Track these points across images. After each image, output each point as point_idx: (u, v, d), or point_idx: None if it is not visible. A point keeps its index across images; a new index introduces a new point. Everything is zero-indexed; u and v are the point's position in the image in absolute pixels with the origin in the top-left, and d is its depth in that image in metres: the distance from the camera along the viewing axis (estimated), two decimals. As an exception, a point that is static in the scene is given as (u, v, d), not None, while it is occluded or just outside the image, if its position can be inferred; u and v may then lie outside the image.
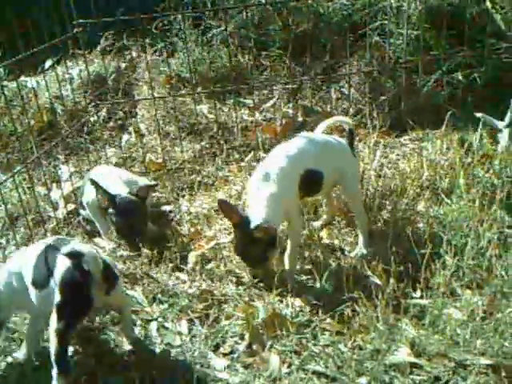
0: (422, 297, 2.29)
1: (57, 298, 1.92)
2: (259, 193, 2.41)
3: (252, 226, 2.31)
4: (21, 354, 2.22)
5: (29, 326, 2.23)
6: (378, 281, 2.36)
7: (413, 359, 1.96)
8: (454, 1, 3.61)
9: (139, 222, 2.83)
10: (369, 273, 2.44)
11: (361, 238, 2.68)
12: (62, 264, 1.94)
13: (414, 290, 2.33)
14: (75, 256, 1.91)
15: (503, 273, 2.26)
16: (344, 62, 3.94)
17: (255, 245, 2.35)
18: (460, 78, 3.57)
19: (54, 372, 1.94)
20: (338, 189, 2.86)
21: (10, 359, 2.22)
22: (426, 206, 2.82)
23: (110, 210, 2.79)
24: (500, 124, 3.20)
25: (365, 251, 2.64)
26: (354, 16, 3.91)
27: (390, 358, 1.98)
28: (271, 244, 2.37)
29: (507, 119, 3.17)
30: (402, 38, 3.65)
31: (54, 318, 1.92)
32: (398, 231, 2.69)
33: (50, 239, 2.16)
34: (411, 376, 1.92)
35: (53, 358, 1.93)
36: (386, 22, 3.74)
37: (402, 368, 1.94)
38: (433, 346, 2.00)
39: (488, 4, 3.56)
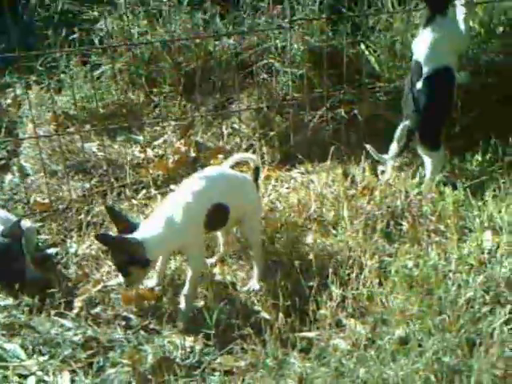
0: (309, 329, 2.32)
1: None
2: (162, 213, 2.44)
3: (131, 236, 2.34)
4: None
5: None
6: (267, 316, 2.37)
7: (299, 394, 1.97)
8: (333, 43, 3.81)
9: (6, 263, 2.66)
10: (259, 308, 2.44)
11: (255, 272, 2.68)
12: None
13: (303, 323, 2.36)
14: None
15: (384, 300, 2.34)
16: (234, 98, 4.01)
17: (119, 254, 2.38)
18: (343, 114, 3.75)
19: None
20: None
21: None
22: (314, 238, 2.89)
23: None
24: (384, 156, 3.37)
25: (257, 286, 2.65)
26: (242, 54, 4.01)
27: (277, 395, 1.98)
28: (134, 262, 2.35)
29: (390, 152, 3.36)
30: (287, 75, 3.78)
31: None
32: (288, 264, 2.73)
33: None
34: (298, 413, 1.92)
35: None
36: (272, 60, 3.86)
37: (290, 404, 1.94)
38: (319, 378, 2.02)
39: (362, 47, 3.80)
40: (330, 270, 2.54)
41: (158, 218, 2.44)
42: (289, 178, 3.63)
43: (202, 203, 2.48)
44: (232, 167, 2.79)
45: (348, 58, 3.65)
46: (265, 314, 2.39)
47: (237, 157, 2.87)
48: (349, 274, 2.55)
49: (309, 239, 2.94)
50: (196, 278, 2.53)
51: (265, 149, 3.74)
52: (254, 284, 2.66)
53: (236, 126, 3.97)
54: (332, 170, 3.41)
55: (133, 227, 2.40)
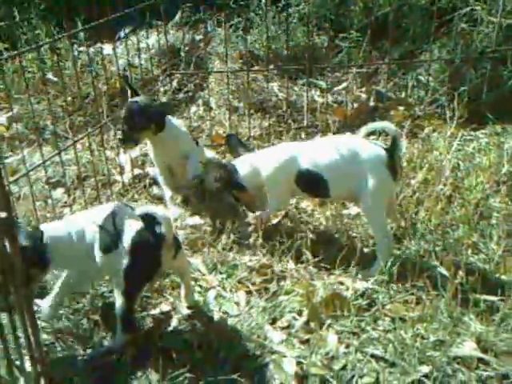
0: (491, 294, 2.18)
1: (126, 260, 1.92)
2: None
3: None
4: (45, 302, 2.16)
5: (64, 283, 2.15)
6: (445, 272, 2.27)
7: (480, 354, 1.88)
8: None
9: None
10: (436, 263, 2.34)
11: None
12: (134, 226, 1.93)
13: (483, 286, 2.22)
14: (149, 218, 1.92)
15: None
16: (425, 48, 3.79)
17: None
18: (550, 71, 3.37)
19: (119, 329, 1.98)
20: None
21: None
22: (503, 202, 2.68)
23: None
24: None
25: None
26: (441, 1, 3.74)
27: (454, 350, 1.90)
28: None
29: None
30: (492, 26, 3.46)
31: (121, 279, 1.93)
32: (473, 226, 2.58)
33: (113, 204, 2.11)
34: (477, 371, 1.84)
35: (120, 317, 1.97)
36: (477, 8, 3.55)
37: (468, 362, 1.86)
38: (502, 343, 1.90)
39: None
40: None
41: None
42: (475, 138, 3.39)
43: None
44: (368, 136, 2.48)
45: None
46: (442, 270, 2.28)
47: (373, 125, 2.46)
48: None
49: (495, 203, 2.74)
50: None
51: (452, 104, 3.51)
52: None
53: (422, 77, 3.77)
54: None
55: None
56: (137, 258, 1.92)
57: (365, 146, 2.40)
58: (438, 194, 2.76)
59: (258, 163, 2.64)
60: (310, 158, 2.48)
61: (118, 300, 1.97)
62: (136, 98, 2.86)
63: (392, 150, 2.35)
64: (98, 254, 1.99)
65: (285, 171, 2.55)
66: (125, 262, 1.92)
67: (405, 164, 3.06)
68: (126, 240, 1.93)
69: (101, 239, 1.99)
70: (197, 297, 2.30)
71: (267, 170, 2.60)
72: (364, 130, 2.42)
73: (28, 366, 1.44)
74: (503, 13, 3.39)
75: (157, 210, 1.98)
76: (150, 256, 1.95)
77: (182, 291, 2.26)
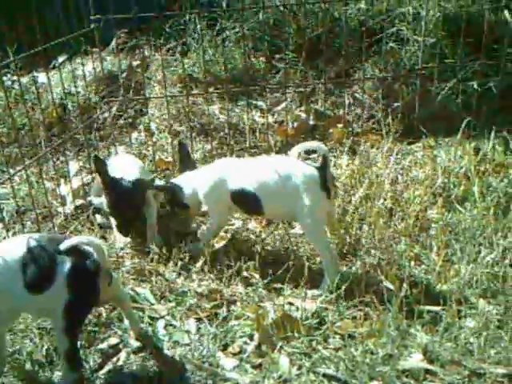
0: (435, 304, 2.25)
1: (64, 295, 1.83)
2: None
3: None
4: None
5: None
6: (390, 285, 2.33)
7: (426, 365, 1.93)
8: (471, 9, 3.59)
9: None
10: (382, 277, 2.40)
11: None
12: (67, 260, 1.85)
13: (428, 297, 2.29)
14: (79, 248, 1.86)
15: (519, 282, 2.22)
16: (358, 67, 3.92)
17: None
18: (475, 86, 3.54)
19: (64, 369, 1.92)
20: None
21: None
22: (440, 213, 2.78)
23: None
24: None
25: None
26: (369, 21, 3.89)
27: (402, 363, 1.95)
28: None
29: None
30: (418, 44, 3.63)
31: (60, 316, 1.85)
32: (411, 237, 2.67)
33: (23, 239, 1.92)
34: (424, 382, 1.89)
35: (63, 355, 1.90)
36: (402, 28, 3.71)
37: (416, 374, 1.90)
38: (446, 352, 1.96)
39: (506, 13, 3.54)
40: (458, 247, 2.45)
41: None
42: (411, 152, 3.52)
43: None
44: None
45: (488, 24, 3.38)
46: (388, 284, 2.34)
47: (303, 145, 2.49)
48: (477, 252, 2.45)
49: (433, 214, 2.84)
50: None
51: (387, 120, 3.63)
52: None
53: (358, 95, 3.89)
54: (460, 144, 3.25)
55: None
56: (76, 292, 1.85)
57: (297, 166, 2.45)
58: (379, 208, 2.84)
59: (195, 182, 2.73)
60: (244, 176, 2.55)
61: (60, 338, 1.89)
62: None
63: (323, 169, 2.40)
64: (20, 294, 1.85)
65: (220, 189, 2.61)
66: (63, 298, 1.84)
67: (346, 180, 3.14)
68: (61, 275, 1.84)
69: (26, 278, 1.84)
70: (145, 327, 2.26)
71: (203, 188, 2.68)
72: (295, 149, 2.46)
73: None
74: (426, 32, 3.55)
75: (86, 238, 1.94)
76: (89, 287, 1.89)
77: (127, 322, 2.21)
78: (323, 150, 2.40)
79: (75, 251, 1.85)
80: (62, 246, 1.83)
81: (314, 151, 3.11)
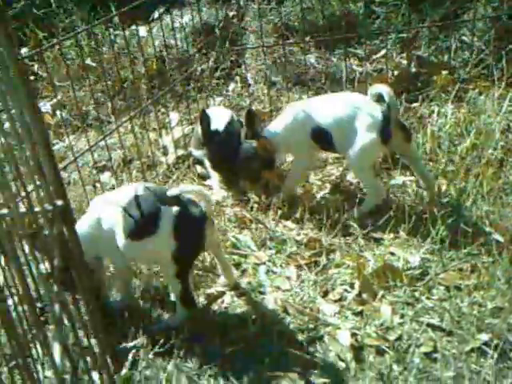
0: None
1: (172, 242, 1.91)
2: None
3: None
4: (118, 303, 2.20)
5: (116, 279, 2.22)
6: (500, 238, 2.21)
7: (541, 320, 1.84)
8: None
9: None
10: (490, 229, 2.29)
11: None
12: (173, 209, 1.91)
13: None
14: (184, 199, 1.93)
15: None
16: (468, 6, 3.64)
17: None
18: None
19: (179, 308, 2.03)
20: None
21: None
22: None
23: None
24: None
25: None
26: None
27: (514, 317, 1.87)
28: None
29: None
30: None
31: (170, 262, 1.93)
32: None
33: (133, 187, 2.02)
34: (539, 337, 1.80)
35: (178, 298, 2.01)
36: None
37: (529, 328, 1.82)
38: None
39: None
40: None
41: None
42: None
43: None
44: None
45: None
46: (497, 236, 2.23)
47: (373, 88, 2.50)
48: None
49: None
50: None
51: (500, 64, 3.37)
52: None
53: (466, 38, 3.63)
54: None
55: None
56: (184, 239, 1.92)
57: (364, 105, 2.49)
58: (488, 158, 2.68)
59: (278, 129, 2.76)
60: (319, 113, 2.60)
61: (172, 283, 2.00)
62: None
63: (386, 112, 2.41)
64: (123, 242, 1.95)
65: (300, 130, 2.65)
66: (171, 245, 1.92)
67: (450, 130, 2.98)
68: (169, 222, 1.91)
69: (129, 225, 1.93)
70: (249, 273, 2.32)
71: (285, 133, 2.71)
72: (369, 91, 2.52)
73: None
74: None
75: (192, 187, 1.99)
76: (196, 234, 1.96)
77: (223, 267, 2.24)
78: (386, 95, 2.39)
79: (181, 200, 1.92)
80: (169, 194, 1.90)
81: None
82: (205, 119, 2.92)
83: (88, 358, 1.46)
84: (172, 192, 1.91)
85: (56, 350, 1.38)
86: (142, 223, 1.92)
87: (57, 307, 1.36)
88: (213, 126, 2.94)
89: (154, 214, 1.91)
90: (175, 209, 1.91)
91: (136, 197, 1.95)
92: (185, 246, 1.92)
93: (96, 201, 2.13)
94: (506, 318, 1.85)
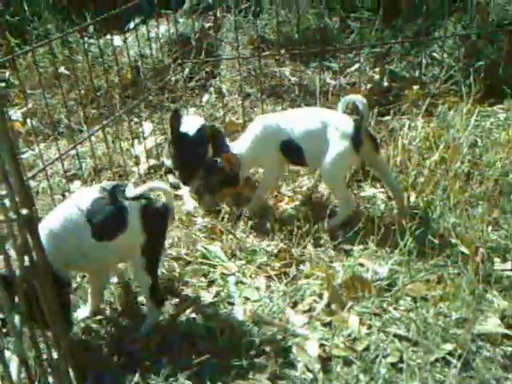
0: (513, 273, 2.16)
1: (141, 237, 1.93)
2: None
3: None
4: (85, 311, 2.17)
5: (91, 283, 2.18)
6: (465, 250, 2.25)
7: (504, 330, 1.87)
8: None
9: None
10: (456, 241, 2.32)
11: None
12: (137, 204, 1.92)
13: (506, 262, 2.21)
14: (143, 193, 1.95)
15: None
16: (439, 24, 3.72)
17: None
18: None
19: (149, 307, 2.06)
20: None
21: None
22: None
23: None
24: None
25: None
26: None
27: (477, 327, 1.89)
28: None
29: None
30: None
31: (139, 255, 1.96)
32: (493, 202, 2.56)
33: (92, 189, 1.99)
34: (501, 347, 1.83)
35: (148, 293, 2.03)
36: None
37: (492, 338, 1.84)
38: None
39: None
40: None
41: None
42: (493, 114, 3.34)
43: None
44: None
45: None
46: (463, 248, 2.27)
47: (346, 99, 2.61)
48: None
49: (513, 179, 2.70)
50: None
51: (468, 81, 3.45)
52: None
53: (437, 55, 3.71)
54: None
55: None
56: (152, 231, 1.95)
57: (334, 116, 2.56)
58: (455, 171, 2.73)
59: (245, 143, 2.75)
60: (289, 127, 2.62)
61: (142, 277, 2.01)
62: None
63: (359, 122, 2.46)
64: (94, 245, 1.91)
65: (270, 142, 2.67)
66: (141, 238, 1.93)
67: (420, 143, 3.03)
68: (136, 216, 1.92)
69: (98, 227, 1.90)
70: (218, 283, 2.31)
71: (254, 145, 2.71)
72: (340, 104, 2.61)
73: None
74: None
75: (155, 183, 2.01)
76: (161, 226, 2.02)
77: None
78: (360, 104, 2.43)
79: (143, 194, 1.95)
80: (131, 193, 1.92)
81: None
82: (176, 118, 2.88)
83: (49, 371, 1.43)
84: (137, 190, 1.93)
85: (13, 362, 1.35)
86: (112, 223, 1.91)
87: (16, 318, 1.33)
88: (183, 129, 2.90)
89: (122, 212, 1.91)
90: (140, 203, 1.94)
91: (98, 199, 1.92)
92: (152, 237, 1.96)
93: (56, 211, 2.01)
94: (470, 328, 1.87)
